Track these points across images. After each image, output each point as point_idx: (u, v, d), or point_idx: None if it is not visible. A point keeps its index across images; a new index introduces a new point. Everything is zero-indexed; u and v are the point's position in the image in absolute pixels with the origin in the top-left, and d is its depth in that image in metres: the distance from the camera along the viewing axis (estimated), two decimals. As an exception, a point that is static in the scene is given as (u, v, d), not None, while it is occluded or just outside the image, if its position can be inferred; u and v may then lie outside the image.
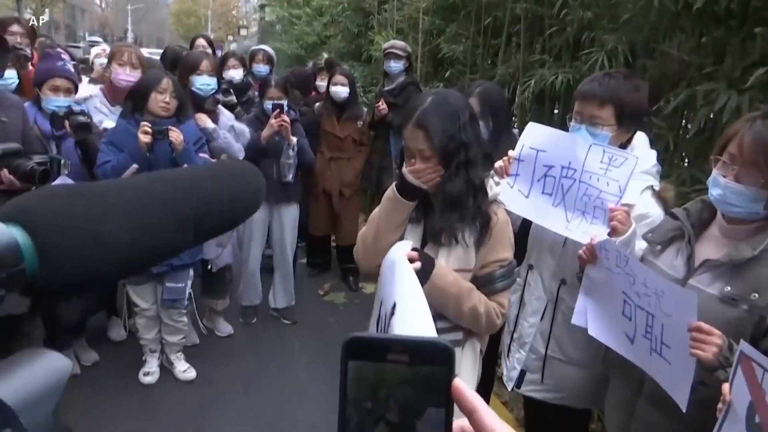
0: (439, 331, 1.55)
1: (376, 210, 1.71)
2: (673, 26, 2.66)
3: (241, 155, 3.43)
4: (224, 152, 3.36)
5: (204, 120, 3.30)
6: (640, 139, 1.94)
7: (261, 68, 4.86)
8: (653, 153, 1.94)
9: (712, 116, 2.45)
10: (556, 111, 3.63)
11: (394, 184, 1.66)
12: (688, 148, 2.71)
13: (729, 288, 1.41)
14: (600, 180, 1.71)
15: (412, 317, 1.27)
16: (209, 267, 3.51)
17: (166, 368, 3.39)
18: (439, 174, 1.57)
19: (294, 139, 3.66)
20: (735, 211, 1.44)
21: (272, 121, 3.53)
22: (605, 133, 1.80)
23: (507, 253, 1.66)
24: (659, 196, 1.85)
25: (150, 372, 3.31)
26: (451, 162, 1.56)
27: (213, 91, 3.40)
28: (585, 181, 1.73)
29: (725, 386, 1.24)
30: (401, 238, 1.65)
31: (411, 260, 1.48)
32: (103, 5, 58.16)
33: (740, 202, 1.41)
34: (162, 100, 2.83)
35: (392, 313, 1.35)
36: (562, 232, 1.78)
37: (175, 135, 2.79)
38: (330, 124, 4.40)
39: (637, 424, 1.64)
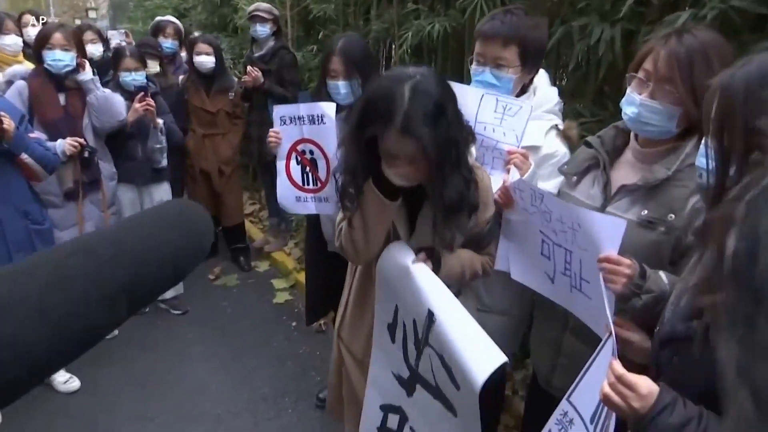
0: None
1: (360, 208, 1.51)
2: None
3: (123, 113, 3.12)
4: (105, 111, 3.02)
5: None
6: (542, 77, 1.86)
7: (168, 43, 4.28)
8: (554, 90, 1.86)
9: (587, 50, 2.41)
10: (433, 64, 3.50)
11: (373, 185, 1.47)
12: (567, 84, 2.69)
13: (646, 211, 1.37)
14: (496, 130, 1.66)
15: (458, 324, 1.33)
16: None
17: (44, 383, 2.91)
18: (426, 171, 1.40)
19: (161, 122, 3.35)
20: (650, 130, 1.38)
21: (136, 105, 3.19)
22: (510, 75, 1.70)
23: (491, 210, 1.60)
24: (564, 134, 1.79)
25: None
26: (445, 164, 1.38)
27: (68, 69, 2.90)
28: (480, 132, 1.66)
29: None
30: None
31: (423, 262, 1.46)
32: None
33: (655, 119, 1.35)
34: None
35: (432, 321, 1.37)
36: None
37: (8, 121, 2.34)
38: (198, 98, 4.00)
39: (564, 359, 1.60)
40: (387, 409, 1.64)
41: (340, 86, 2.30)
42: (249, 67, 3.99)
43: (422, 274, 1.42)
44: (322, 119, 2.22)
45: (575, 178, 1.57)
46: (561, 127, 1.78)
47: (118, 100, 3.08)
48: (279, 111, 2.35)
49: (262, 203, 5.44)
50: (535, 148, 1.70)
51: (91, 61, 3.44)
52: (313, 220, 2.66)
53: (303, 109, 2.28)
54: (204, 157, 4.10)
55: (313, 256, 2.84)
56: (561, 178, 1.68)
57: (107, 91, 3.06)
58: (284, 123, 2.33)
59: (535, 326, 1.78)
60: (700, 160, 1.07)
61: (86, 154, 2.93)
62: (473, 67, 1.75)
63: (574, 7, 2.48)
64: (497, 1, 2.71)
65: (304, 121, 2.28)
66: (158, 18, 4.64)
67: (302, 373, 3.19)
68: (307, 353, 3.36)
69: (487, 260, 1.66)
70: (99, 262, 0.47)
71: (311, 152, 2.32)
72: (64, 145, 2.86)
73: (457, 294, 1.45)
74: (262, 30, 4.08)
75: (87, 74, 2.94)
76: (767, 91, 0.81)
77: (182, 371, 3.17)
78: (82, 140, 2.91)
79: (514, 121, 1.62)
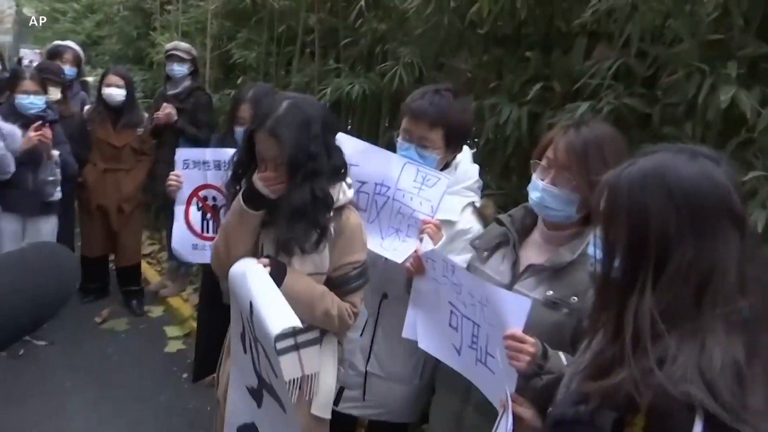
0: (297, 332, 1.56)
1: (226, 218, 1.66)
2: (460, 43, 2.75)
3: (12, 167, 2.90)
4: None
5: None
6: (465, 153, 1.91)
7: (68, 70, 4.08)
8: (476, 168, 1.91)
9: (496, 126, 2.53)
10: (349, 121, 3.55)
11: (241, 193, 1.59)
12: (476, 156, 2.76)
13: (551, 292, 1.40)
14: (413, 199, 1.70)
15: (271, 306, 1.37)
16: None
17: None
18: (284, 183, 1.53)
19: (56, 154, 3.17)
20: (552, 214, 1.45)
21: (31, 133, 3.01)
22: (435, 155, 1.76)
23: (359, 255, 1.64)
24: (480, 213, 1.84)
25: None
26: (298, 172, 1.50)
27: None
28: (398, 199, 1.72)
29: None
30: (256, 245, 1.63)
31: (263, 266, 1.52)
32: None
33: (556, 204, 1.42)
34: None
35: (251, 312, 1.42)
36: (377, 250, 1.72)
37: None
38: (103, 131, 3.81)
39: (463, 433, 1.57)
40: (242, 429, 1.67)
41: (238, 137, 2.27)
42: (164, 104, 3.87)
43: (254, 273, 1.48)
44: (228, 166, 2.16)
45: (486, 253, 1.60)
46: (477, 204, 1.83)
47: (8, 158, 2.89)
48: (182, 154, 2.29)
49: (162, 244, 5.15)
50: (450, 223, 1.73)
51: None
52: (210, 268, 2.52)
53: (209, 154, 2.23)
54: (103, 193, 3.87)
55: (207, 306, 2.72)
56: (473, 253, 1.72)
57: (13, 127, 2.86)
58: (187, 167, 2.27)
59: (437, 397, 1.76)
60: (591, 249, 1.13)
61: None
62: (399, 141, 1.80)
63: (485, 86, 2.62)
64: (415, 70, 2.83)
65: (209, 166, 2.23)
66: (56, 42, 4.43)
67: (189, 429, 2.96)
68: (196, 408, 3.14)
69: (347, 307, 1.64)
70: None
71: (214, 198, 2.26)
72: None
73: (306, 329, 1.51)
74: (180, 69, 3.99)
75: None
76: (647, 195, 0.86)
77: (56, 426, 2.83)
78: None
79: (432, 192, 1.66)
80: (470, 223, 1.78)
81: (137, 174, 3.98)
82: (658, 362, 0.79)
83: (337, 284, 1.63)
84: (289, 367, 1.45)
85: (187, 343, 3.78)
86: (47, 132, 3.05)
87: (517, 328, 1.26)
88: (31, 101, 3.11)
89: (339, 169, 1.60)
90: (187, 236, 2.29)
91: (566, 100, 2.27)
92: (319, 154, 1.51)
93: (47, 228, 3.34)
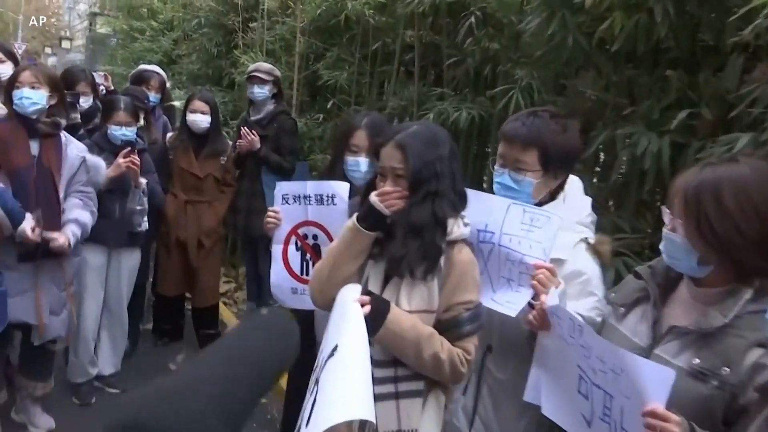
0: (399, 378, 1.67)
1: (334, 242, 1.81)
2: (585, 63, 2.80)
3: (93, 221, 3.08)
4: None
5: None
6: (574, 183, 1.95)
7: (152, 96, 4.37)
8: (588, 200, 1.96)
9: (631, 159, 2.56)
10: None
11: (356, 214, 1.74)
12: (602, 193, 2.80)
13: (698, 360, 1.39)
14: (521, 243, 1.73)
15: (351, 363, 1.41)
16: (30, 338, 2.99)
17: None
18: (405, 199, 1.68)
19: (143, 182, 3.43)
20: (676, 264, 1.48)
21: (120, 160, 3.29)
22: (530, 179, 1.82)
23: (472, 294, 1.71)
24: (594, 249, 1.85)
25: None
26: (420, 188, 1.67)
27: (41, 111, 2.94)
28: (505, 245, 1.76)
29: None
30: (361, 273, 1.75)
31: (362, 304, 1.60)
32: None
33: (676, 252, 1.45)
34: None
35: (331, 355, 1.47)
36: (488, 304, 1.76)
37: None
38: (186, 160, 4.09)
39: None
40: None
41: (362, 163, 2.32)
42: (244, 130, 4.12)
43: (351, 312, 1.55)
44: (332, 200, 2.23)
45: (623, 309, 1.61)
46: (591, 240, 1.84)
47: (89, 218, 3.07)
48: (282, 188, 2.35)
49: (239, 282, 5.44)
50: (559, 262, 1.74)
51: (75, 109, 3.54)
52: (305, 316, 2.51)
53: (310, 187, 2.28)
54: (183, 226, 4.08)
55: (298, 364, 2.74)
56: (592, 298, 1.74)
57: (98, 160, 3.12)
58: (286, 202, 2.33)
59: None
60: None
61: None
62: (495, 168, 1.91)
63: (618, 112, 2.63)
64: (534, 95, 2.89)
65: (310, 200, 2.28)
66: (143, 66, 4.76)
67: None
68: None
69: (459, 353, 1.67)
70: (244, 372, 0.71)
71: (315, 237, 2.32)
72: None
73: (410, 376, 1.64)
74: (260, 92, 4.26)
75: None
76: None
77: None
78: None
79: (542, 234, 1.69)
80: (583, 263, 1.79)
81: (219, 206, 4.20)
82: None
83: (448, 327, 1.69)
84: (383, 416, 1.46)
85: (267, 395, 3.93)
86: (136, 159, 3.29)
87: (658, 403, 1.25)
88: (124, 133, 3.42)
89: (460, 199, 1.75)
90: (285, 279, 2.35)
91: (717, 129, 2.27)
92: (443, 176, 1.69)
93: (130, 263, 3.59)
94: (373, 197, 1.70)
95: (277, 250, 2.36)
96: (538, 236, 1.70)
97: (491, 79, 3.17)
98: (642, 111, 2.54)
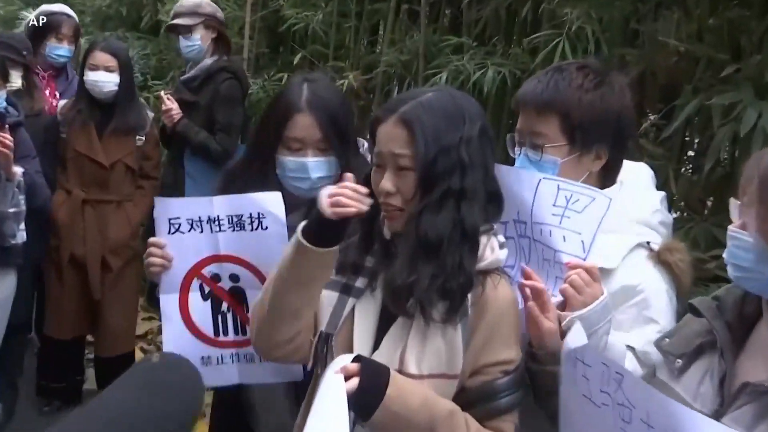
0: None
1: (273, 269, 1.64)
2: (669, 1, 2.60)
3: None
4: None
5: None
6: (639, 170, 1.84)
7: (63, 49, 3.79)
8: (658, 195, 1.81)
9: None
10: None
11: (302, 224, 1.51)
12: (693, 189, 2.51)
13: None
14: (553, 233, 1.60)
15: None
16: None
17: None
18: (410, 201, 1.47)
19: (19, 172, 2.86)
20: (745, 279, 1.33)
21: None
22: (551, 157, 1.67)
23: (512, 351, 1.51)
24: (661, 259, 1.67)
25: None
26: (436, 186, 1.41)
27: None
28: (537, 238, 1.65)
29: None
30: (337, 317, 1.54)
31: (346, 376, 1.39)
32: None
33: (745, 260, 1.30)
34: None
35: None
36: None
37: None
38: (85, 141, 3.44)
39: None
40: None
41: (309, 166, 1.93)
42: (163, 95, 3.68)
43: (332, 385, 1.34)
44: (260, 222, 1.83)
45: (680, 361, 1.46)
46: (656, 246, 1.69)
47: None
48: (166, 208, 1.88)
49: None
50: (606, 273, 1.61)
51: None
52: (226, 396, 2.17)
53: (219, 204, 1.85)
54: (80, 238, 3.48)
55: None
56: (652, 326, 1.60)
57: None
58: (177, 230, 1.85)
59: None
60: None
61: None
62: (516, 149, 1.84)
63: (715, 72, 2.36)
64: (590, 43, 2.55)
65: (221, 225, 1.84)
66: (46, 7, 4.01)
67: None
68: None
69: None
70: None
71: (234, 278, 1.90)
72: None
73: None
74: (188, 45, 3.67)
75: None
76: None
77: None
78: None
79: (581, 220, 1.55)
80: (640, 276, 1.64)
81: (133, 209, 3.59)
82: None
83: (477, 398, 1.48)
84: None
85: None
86: (7, 138, 2.76)
87: None
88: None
89: (496, 203, 1.52)
90: (189, 343, 1.90)
91: None
92: (471, 168, 1.42)
93: (1, 292, 3.02)
94: (322, 196, 1.44)
95: (169, 302, 1.92)
96: (575, 224, 1.55)
97: (531, 22, 2.88)
98: (750, 71, 2.31)
